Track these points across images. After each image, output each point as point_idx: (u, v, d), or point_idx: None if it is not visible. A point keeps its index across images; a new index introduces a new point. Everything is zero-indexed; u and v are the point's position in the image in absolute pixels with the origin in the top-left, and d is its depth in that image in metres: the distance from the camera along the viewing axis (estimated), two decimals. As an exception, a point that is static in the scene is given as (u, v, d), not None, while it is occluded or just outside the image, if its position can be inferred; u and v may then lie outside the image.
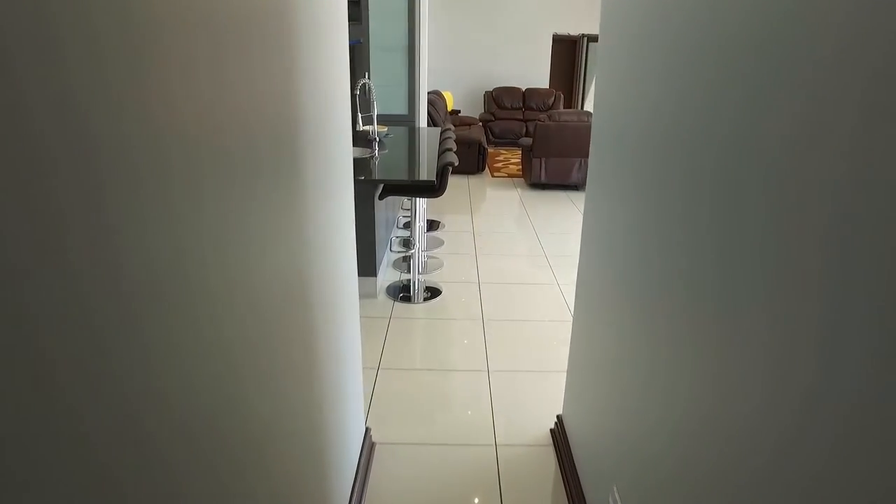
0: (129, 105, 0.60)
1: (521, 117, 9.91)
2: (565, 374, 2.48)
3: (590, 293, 2.20)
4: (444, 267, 4.41)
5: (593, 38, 12.25)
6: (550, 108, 9.87)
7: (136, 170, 0.61)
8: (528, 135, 9.32)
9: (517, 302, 3.85)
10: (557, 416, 2.50)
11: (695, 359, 1.15)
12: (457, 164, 3.46)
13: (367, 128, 4.85)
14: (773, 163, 0.87)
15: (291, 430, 1.31)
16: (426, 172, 3.61)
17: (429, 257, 4.59)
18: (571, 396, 2.40)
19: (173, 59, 0.70)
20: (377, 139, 4.20)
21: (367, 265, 3.73)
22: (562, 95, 9.95)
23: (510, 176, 7.54)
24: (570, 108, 13.63)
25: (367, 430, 2.38)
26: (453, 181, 7.16)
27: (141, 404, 0.63)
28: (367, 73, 6.23)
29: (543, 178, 6.64)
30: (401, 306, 3.73)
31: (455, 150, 3.97)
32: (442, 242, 4.94)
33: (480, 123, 9.54)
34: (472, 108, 10.43)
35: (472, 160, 7.47)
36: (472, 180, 7.33)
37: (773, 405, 0.85)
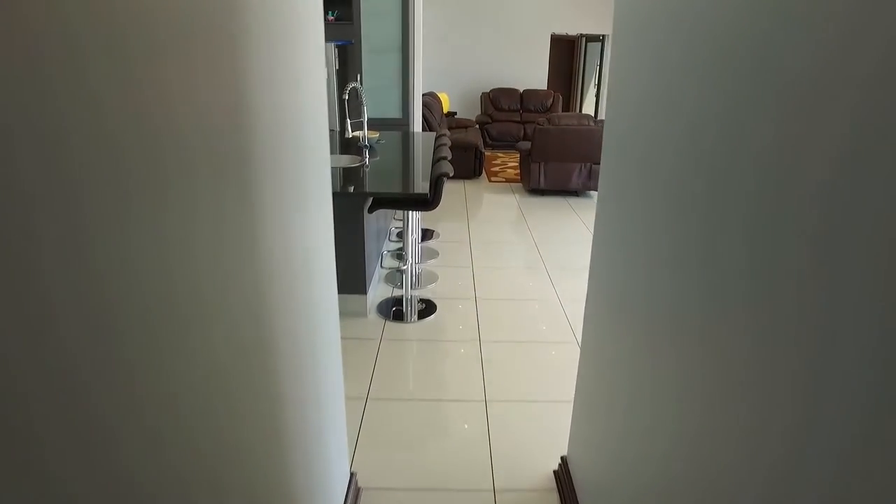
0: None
1: (519, 119, 9.68)
2: (570, 404, 2.25)
3: (600, 317, 1.97)
4: (439, 280, 4.17)
5: (592, 39, 12.03)
6: (549, 109, 9.65)
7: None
8: (526, 137, 9.10)
9: (516, 320, 3.62)
10: (562, 458, 2.27)
11: (726, 399, 0.93)
12: (451, 174, 3.22)
13: (357, 134, 4.62)
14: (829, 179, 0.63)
15: (257, 493, 1.08)
16: (419, 183, 3.38)
17: (423, 269, 4.36)
18: (578, 435, 2.17)
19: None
20: (368, 146, 3.97)
21: (356, 282, 3.50)
22: (560, 97, 9.73)
23: (508, 181, 7.31)
24: (569, 110, 13.42)
25: (353, 475, 2.15)
26: (449, 187, 6.93)
27: None
28: (359, 76, 6.00)
29: (543, 184, 6.41)
30: (393, 326, 3.49)
31: (450, 157, 3.74)
32: (436, 254, 4.70)
33: (477, 126, 9.31)
34: (469, 110, 10.20)
35: (469, 165, 7.24)
36: (469, 185, 7.10)
37: (809, 456, 0.63)
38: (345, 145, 4.41)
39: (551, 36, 12.39)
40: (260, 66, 1.12)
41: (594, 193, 6.68)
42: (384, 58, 6.03)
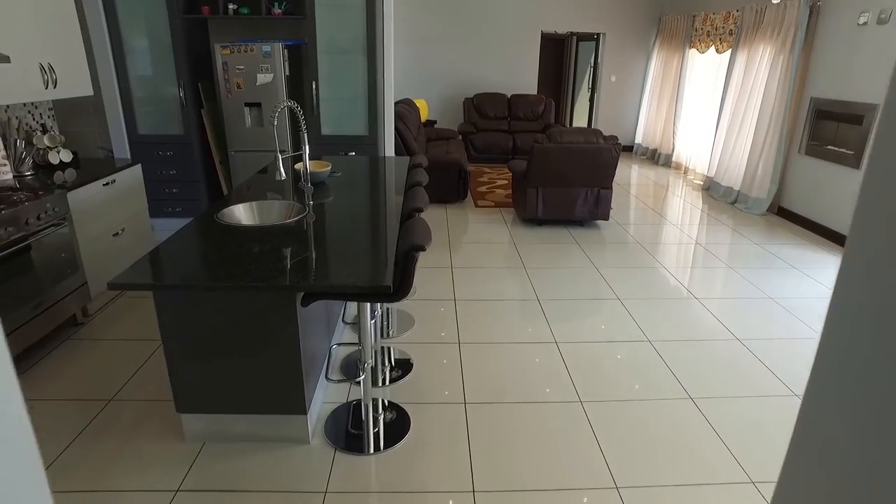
0: None
1: (507, 128, 8.59)
2: None
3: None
4: (416, 368, 3.05)
5: (584, 37, 10.99)
6: (540, 116, 8.57)
7: None
8: (515, 150, 8.01)
9: (524, 442, 2.51)
10: None
11: None
12: (427, 246, 2.10)
13: (298, 166, 3.47)
14: None
15: None
16: (382, 257, 2.24)
17: (394, 348, 3.23)
18: None
19: None
20: (310, 188, 2.82)
21: (291, 400, 2.36)
22: (553, 103, 8.65)
23: (497, 205, 6.20)
24: (559, 117, 12.38)
25: None
26: (428, 215, 5.80)
27: None
28: (314, 84, 4.84)
29: (541, 213, 5.32)
30: (345, 461, 2.36)
31: (424, 207, 2.62)
32: (412, 321, 3.58)
33: (460, 137, 8.19)
34: (451, 118, 9.08)
35: (451, 187, 6.12)
36: (452, 212, 5.98)
37: None
38: (285, 186, 3.25)
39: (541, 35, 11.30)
40: None
41: (602, 223, 5.60)
42: (346, 61, 4.88)
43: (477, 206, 6.20)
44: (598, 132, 5.07)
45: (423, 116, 8.38)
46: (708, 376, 3.03)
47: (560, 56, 12.11)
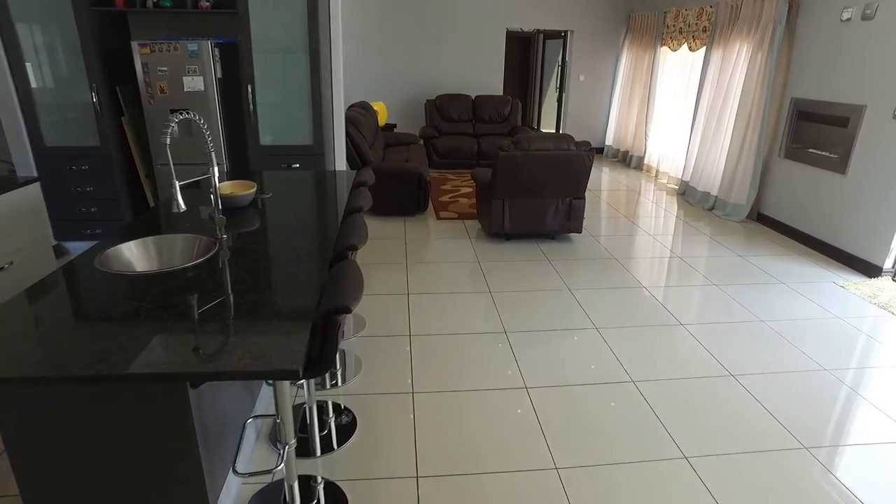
0: None
1: (472, 131, 8.12)
2: None
3: None
4: (359, 432, 2.53)
5: (551, 35, 10.60)
6: (506, 118, 8.12)
7: None
8: (480, 155, 7.54)
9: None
10: None
11: None
12: (353, 306, 1.59)
13: (225, 187, 2.91)
14: None
15: None
16: (300, 322, 1.71)
17: (338, 397, 2.71)
18: None
19: None
20: (223, 219, 2.27)
21: (189, 499, 1.82)
22: (520, 104, 8.21)
23: (461, 216, 5.71)
24: (526, 118, 11.97)
25: None
26: (386, 229, 5.29)
27: None
28: (249, 87, 4.28)
29: (508, 227, 4.85)
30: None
31: (359, 244, 2.11)
32: (360, 365, 3.05)
33: (421, 141, 7.69)
34: (413, 122, 8.56)
35: (410, 199, 5.61)
36: (411, 226, 5.46)
37: None
38: (202, 219, 2.69)
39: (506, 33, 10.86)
40: None
41: (575, 236, 5.16)
42: (286, 62, 4.32)
43: (439, 217, 5.70)
44: (569, 138, 4.63)
45: (382, 120, 7.86)
46: (704, 427, 2.59)
47: (527, 55, 11.71)
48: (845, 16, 4.71)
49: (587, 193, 6.70)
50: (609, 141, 8.97)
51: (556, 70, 10.14)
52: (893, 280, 4.35)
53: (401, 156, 6.51)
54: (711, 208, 6.20)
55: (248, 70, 4.24)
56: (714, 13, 6.25)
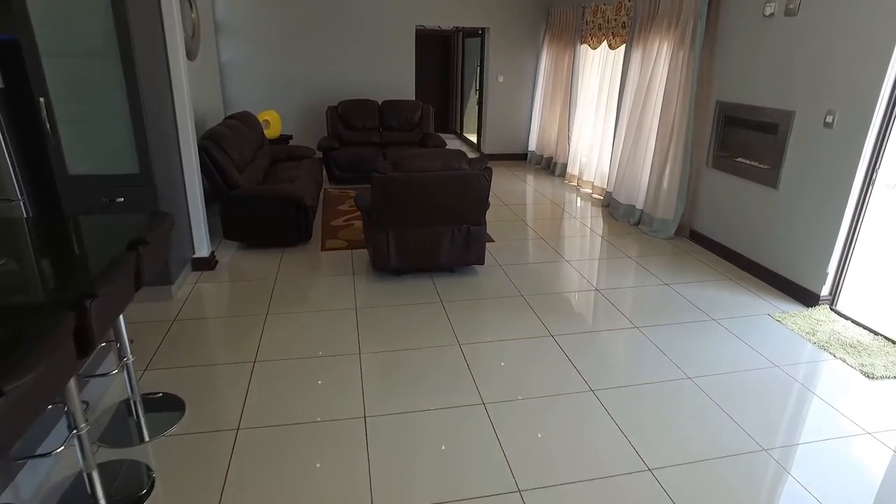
0: None
1: (378, 140, 7.28)
2: None
3: None
4: None
5: (470, 33, 9.88)
6: (416, 126, 7.33)
7: None
8: (387, 167, 6.70)
9: None
10: None
11: None
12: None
13: None
14: None
15: None
16: None
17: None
18: None
19: None
20: None
21: None
22: (431, 110, 7.43)
23: (351, 245, 4.88)
24: (447, 125, 11.21)
25: None
26: (253, 267, 4.40)
27: None
28: (43, 100, 3.31)
29: (395, 261, 4.05)
30: None
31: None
32: (151, 484, 2.17)
33: (320, 154, 6.81)
34: (314, 132, 7.66)
35: (288, 226, 4.73)
36: (289, 260, 4.58)
37: None
38: None
39: (420, 31, 10.11)
40: None
41: (479, 268, 4.40)
42: (90, 68, 3.38)
43: (324, 248, 4.84)
44: (460, 154, 3.86)
45: (276, 132, 6.92)
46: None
47: (447, 55, 10.96)
48: (768, 10, 4.14)
49: (501, 207, 5.98)
50: (532, 146, 8.31)
51: (476, 71, 9.44)
52: (832, 310, 3.80)
53: (290, 173, 5.61)
54: (637, 223, 5.59)
55: (38, 77, 3.27)
56: (633, 7, 5.64)
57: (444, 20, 7.81)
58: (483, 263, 4.25)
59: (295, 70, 7.46)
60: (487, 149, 8.51)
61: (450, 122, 11.36)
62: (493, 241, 5.03)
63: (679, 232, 5.23)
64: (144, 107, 3.41)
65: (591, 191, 6.80)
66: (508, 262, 4.57)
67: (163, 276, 3.77)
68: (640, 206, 5.57)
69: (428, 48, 10.71)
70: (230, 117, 5.70)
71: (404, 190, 3.75)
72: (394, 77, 7.79)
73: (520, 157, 8.59)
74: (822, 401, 2.83)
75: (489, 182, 3.85)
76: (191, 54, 5.55)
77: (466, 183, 3.80)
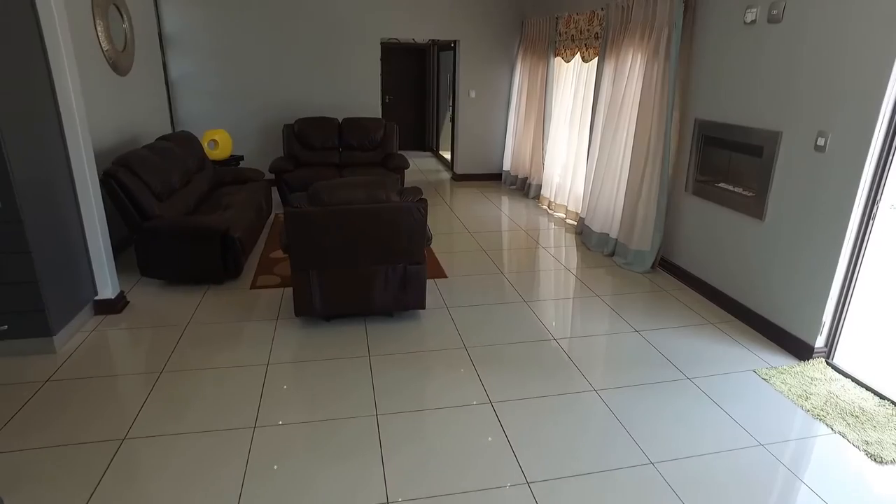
0: None
1: (337, 161, 6.76)
2: None
3: None
4: None
5: (444, 46, 9.42)
6: (379, 145, 6.82)
7: None
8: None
9: None
10: None
11: None
12: None
13: None
14: None
15: None
16: None
17: None
18: None
19: None
20: None
21: None
22: (396, 128, 6.91)
23: (284, 282, 4.32)
24: (424, 143, 10.69)
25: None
26: (166, 308, 3.86)
27: None
28: None
29: (320, 306, 3.49)
30: None
31: None
32: None
33: (272, 176, 6.29)
34: (270, 152, 7.15)
35: (212, 262, 4.17)
36: (210, 300, 4.02)
37: None
38: None
39: (394, 44, 9.68)
40: None
41: (423, 312, 3.83)
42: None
43: (255, 285, 4.28)
44: (389, 184, 3.32)
45: (226, 152, 6.40)
46: None
47: (423, 69, 10.50)
48: (749, 17, 3.62)
49: (463, 235, 5.42)
50: (507, 166, 7.78)
51: (449, 85, 8.96)
52: (828, 364, 3.23)
53: (229, 199, 5.08)
54: (612, 254, 5.03)
55: None
56: (605, 16, 5.14)
57: (412, 33, 7.32)
58: (424, 307, 3.68)
59: (252, 86, 6.96)
60: (460, 168, 7.98)
61: (426, 139, 10.86)
62: (445, 276, 4.47)
63: (656, 264, 4.67)
64: (2, 132, 2.86)
65: (564, 216, 6.26)
66: (459, 302, 4.00)
67: (36, 326, 3.19)
68: (613, 234, 5.03)
69: (403, 62, 10.24)
70: (162, 138, 5.17)
71: (322, 226, 3.20)
72: (357, 93, 7.28)
73: (494, 178, 8.06)
74: (816, 495, 2.25)
75: (423, 215, 3.30)
76: (120, 69, 5.04)
77: (396, 217, 3.25)
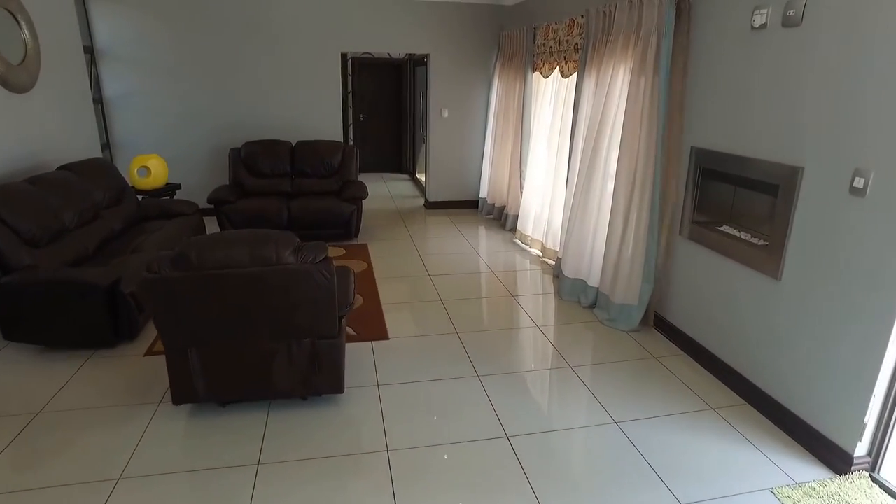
0: None
1: (289, 189, 5.99)
2: None
3: None
4: None
5: (420, 62, 8.70)
6: (336, 172, 6.05)
7: None
8: (292, 223, 5.44)
9: None
10: None
11: None
12: None
13: None
14: None
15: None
16: None
17: None
18: None
19: None
20: None
21: None
22: (357, 151, 6.15)
23: (189, 347, 3.49)
24: (401, 165, 9.91)
25: None
26: (24, 377, 3.04)
27: None
28: None
29: (204, 392, 2.68)
30: None
31: None
32: None
33: (211, 207, 5.53)
34: (215, 180, 6.38)
35: (96, 323, 3.37)
36: (86, 373, 3.21)
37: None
38: None
39: (367, 59, 8.97)
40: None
41: (340, 397, 3.00)
42: None
43: (151, 350, 3.47)
44: (285, 240, 2.51)
45: (160, 180, 5.63)
46: None
47: (399, 86, 9.78)
48: (757, 20, 2.85)
49: (422, 281, 4.60)
50: (483, 193, 6.98)
51: (423, 102, 8.21)
52: (873, 479, 2.39)
53: (143, 239, 4.30)
54: (592, 306, 4.22)
55: None
56: (586, 24, 4.38)
57: (377, 46, 6.59)
58: (341, 391, 2.86)
59: (199, 106, 6.22)
60: (432, 195, 7.20)
61: (403, 161, 10.11)
62: (386, 337, 3.65)
63: (648, 319, 3.86)
64: None
65: (541, 254, 5.45)
66: (394, 377, 3.18)
67: None
68: (593, 283, 4.21)
69: (378, 78, 9.53)
70: (64, 167, 4.40)
71: (192, 296, 2.39)
72: (316, 114, 6.53)
73: (471, 205, 7.28)
74: None
75: (329, 279, 2.49)
76: (15, 85, 4.27)
77: (289, 282, 2.45)
